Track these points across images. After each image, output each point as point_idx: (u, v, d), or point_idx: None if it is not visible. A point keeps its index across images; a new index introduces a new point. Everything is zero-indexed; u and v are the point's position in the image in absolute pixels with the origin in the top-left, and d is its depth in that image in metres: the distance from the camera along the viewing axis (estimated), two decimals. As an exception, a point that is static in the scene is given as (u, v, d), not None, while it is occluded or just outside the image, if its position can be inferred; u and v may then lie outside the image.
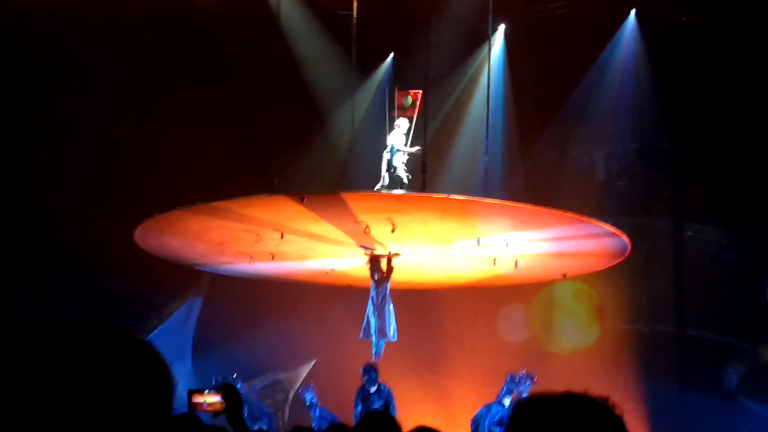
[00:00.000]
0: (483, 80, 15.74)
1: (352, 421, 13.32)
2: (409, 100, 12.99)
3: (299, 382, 17.18)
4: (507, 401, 13.59)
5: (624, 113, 16.56)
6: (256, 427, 13.76)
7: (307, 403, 14.00)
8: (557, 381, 13.80)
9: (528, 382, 13.78)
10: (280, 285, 16.38)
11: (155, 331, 17.36)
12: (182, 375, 16.98)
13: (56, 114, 15.21)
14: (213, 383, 13.68)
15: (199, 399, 4.41)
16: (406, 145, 13.04)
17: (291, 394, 17.28)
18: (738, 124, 15.64)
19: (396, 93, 13.34)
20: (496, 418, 13.59)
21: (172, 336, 17.38)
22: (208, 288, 17.20)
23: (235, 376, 14.04)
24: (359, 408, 13.43)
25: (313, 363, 16.71)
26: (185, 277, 17.04)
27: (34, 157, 15.35)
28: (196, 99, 15.42)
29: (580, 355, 16.10)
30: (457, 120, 16.62)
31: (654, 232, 16.90)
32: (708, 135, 16.36)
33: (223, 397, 4.28)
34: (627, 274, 16.75)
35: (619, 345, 16.21)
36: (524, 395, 13.79)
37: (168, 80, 15.28)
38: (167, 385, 1.33)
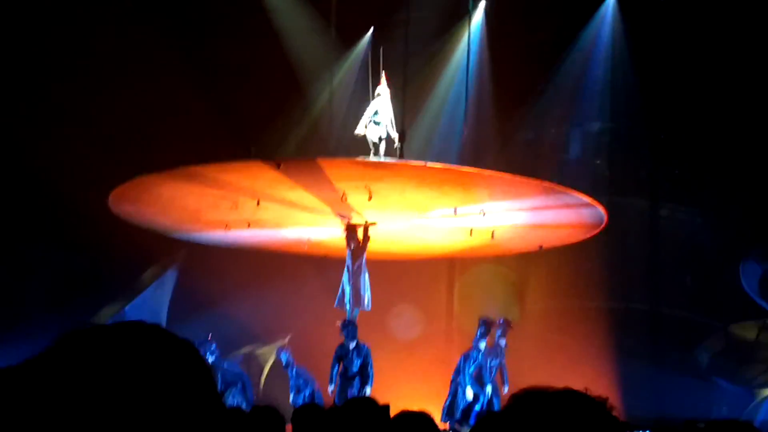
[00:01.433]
0: (462, 56, 15.70)
1: (327, 384, 13.39)
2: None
3: (273, 359, 17.08)
4: (482, 345, 13.84)
5: (602, 92, 16.58)
6: (230, 392, 13.72)
7: (284, 363, 14.24)
8: (528, 357, 13.93)
9: (504, 327, 13.98)
10: (257, 256, 16.27)
11: (131, 302, 17.25)
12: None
13: (33, 81, 15.02)
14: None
15: None
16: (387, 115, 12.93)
17: (267, 367, 17.15)
18: (715, 104, 15.66)
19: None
20: (475, 364, 13.86)
21: (148, 307, 17.24)
22: (184, 260, 17.03)
23: (210, 337, 13.97)
24: (336, 368, 13.39)
25: (288, 338, 16.56)
26: (161, 248, 16.92)
27: (11, 124, 15.14)
28: (176, 67, 15.26)
29: (553, 331, 16.07)
30: (435, 95, 16.57)
31: (629, 211, 16.94)
32: (684, 114, 16.40)
33: None
34: (601, 252, 16.78)
35: (592, 323, 16.20)
36: (501, 340, 14.01)
37: (147, 48, 15.09)
38: (211, 383, 1.31)
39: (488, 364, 14.23)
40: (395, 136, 12.77)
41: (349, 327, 13.31)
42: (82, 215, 15.08)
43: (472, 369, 14.03)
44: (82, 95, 15.05)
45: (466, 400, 14.08)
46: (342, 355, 13.43)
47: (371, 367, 13.36)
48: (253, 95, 15.42)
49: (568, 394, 1.66)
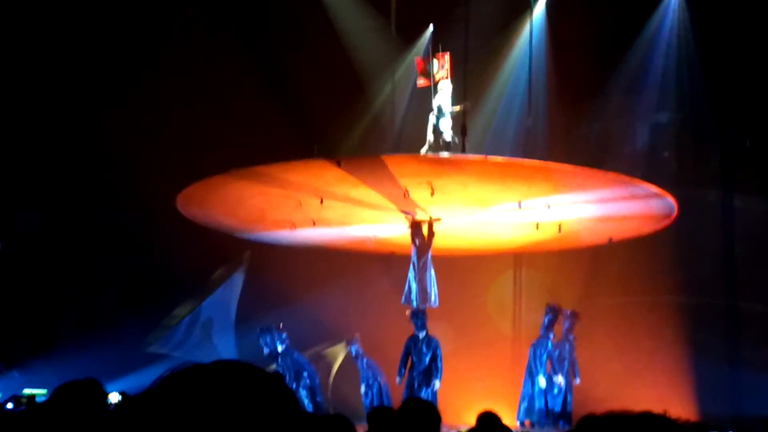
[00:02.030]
0: (523, 51, 15.55)
1: (395, 377, 13.45)
2: (435, 64, 12.80)
3: (342, 356, 17.13)
4: (551, 333, 14.11)
5: (669, 83, 16.27)
6: (297, 381, 14.10)
7: (353, 354, 14.67)
8: (601, 351, 13.70)
9: (572, 320, 13.99)
10: (323, 256, 16.38)
11: (201, 305, 17.54)
12: (226, 347, 17.13)
13: (105, 87, 15.44)
14: (257, 331, 14.33)
15: None
16: (451, 107, 12.85)
17: (334, 368, 17.20)
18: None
19: (416, 60, 13.24)
20: (546, 352, 14.07)
21: (217, 310, 17.51)
22: (251, 260, 17.23)
23: (281, 326, 14.37)
24: (405, 360, 13.52)
25: (357, 333, 16.63)
26: (229, 250, 17.19)
27: (84, 131, 15.58)
28: (241, 71, 15.54)
29: (625, 327, 15.76)
30: (498, 89, 16.45)
31: (701, 204, 16.51)
32: (754, 103, 15.95)
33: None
34: (674, 246, 16.42)
35: (666, 318, 15.86)
36: (570, 335, 13.97)
37: (214, 53, 15.39)
38: (299, 412, 1.39)
39: (557, 355, 14.16)
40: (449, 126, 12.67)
41: (419, 316, 13.33)
42: (151, 219, 15.44)
43: (544, 357, 14.01)
44: (151, 100, 15.42)
45: (540, 389, 14.03)
46: (411, 347, 13.45)
47: (440, 360, 13.38)
48: (317, 96, 15.57)
49: (647, 418, 1.61)
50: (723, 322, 16.43)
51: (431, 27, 16.03)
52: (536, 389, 14.21)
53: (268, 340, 14.32)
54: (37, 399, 12.47)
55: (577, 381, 14.13)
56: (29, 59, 15.66)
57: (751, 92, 15.76)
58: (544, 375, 14.11)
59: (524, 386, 14.42)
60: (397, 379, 13.71)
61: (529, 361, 14.30)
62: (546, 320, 14.25)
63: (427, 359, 13.39)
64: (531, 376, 14.30)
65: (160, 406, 1.30)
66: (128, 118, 15.30)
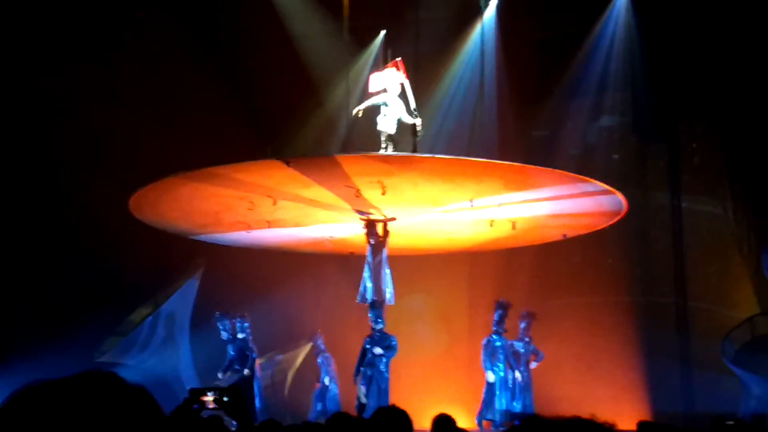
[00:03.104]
0: (475, 53, 15.73)
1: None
2: (390, 71, 12.88)
3: (298, 362, 17.14)
4: (501, 329, 14.28)
5: (617, 86, 16.52)
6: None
7: (318, 348, 15.50)
8: (553, 354, 13.83)
9: (528, 320, 14.12)
10: (277, 260, 16.35)
11: (155, 311, 17.41)
12: (182, 352, 17.01)
13: (54, 88, 15.28)
14: (215, 316, 14.65)
15: (203, 398, 4.35)
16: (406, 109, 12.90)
17: (290, 375, 17.20)
18: (732, 94, 15.52)
19: (369, 77, 13.35)
20: (497, 347, 14.21)
21: (171, 316, 17.40)
22: (206, 266, 17.16)
23: (245, 315, 14.84)
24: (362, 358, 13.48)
25: (310, 345, 16.62)
26: (185, 256, 17.10)
27: (33, 134, 15.40)
28: (194, 74, 15.48)
29: (577, 327, 15.92)
30: (447, 93, 16.60)
31: (650, 204, 16.82)
32: (701, 105, 16.27)
33: (220, 398, 4.25)
34: (623, 247, 16.68)
35: (617, 318, 16.07)
36: (527, 332, 14.08)
37: (165, 55, 15.31)
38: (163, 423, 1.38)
39: (512, 353, 14.28)
40: (419, 122, 12.69)
41: (376, 307, 13.30)
42: (105, 223, 15.29)
43: (500, 354, 14.11)
44: (103, 103, 15.29)
45: (500, 388, 14.12)
46: (367, 346, 13.44)
47: (393, 351, 13.34)
48: (271, 98, 15.64)
49: (576, 423, 1.64)
50: (673, 320, 16.66)
51: (383, 31, 16.16)
52: (495, 389, 14.28)
53: (227, 324, 14.73)
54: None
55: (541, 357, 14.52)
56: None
57: (697, 94, 16.08)
58: (492, 371, 14.20)
59: (485, 386, 14.51)
60: (355, 376, 13.69)
61: (484, 359, 14.41)
62: (496, 316, 14.38)
63: (381, 356, 13.37)
64: (485, 372, 14.40)
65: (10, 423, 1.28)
66: (80, 121, 15.17)
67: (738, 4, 15.10)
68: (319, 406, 15.27)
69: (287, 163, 11.49)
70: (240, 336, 14.79)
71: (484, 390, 14.42)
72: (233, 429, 4.76)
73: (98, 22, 15.23)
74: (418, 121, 12.73)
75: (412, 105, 12.80)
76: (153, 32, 15.27)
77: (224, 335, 14.79)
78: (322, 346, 15.51)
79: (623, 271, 16.59)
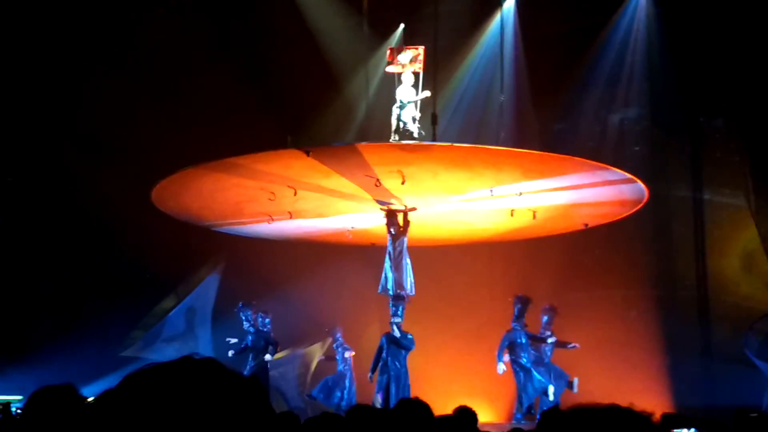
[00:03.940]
0: (494, 46, 15.71)
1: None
2: (409, 54, 12.88)
3: (318, 357, 17.17)
4: (521, 323, 14.28)
5: (638, 78, 16.43)
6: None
7: (337, 342, 15.61)
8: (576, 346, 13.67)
9: (551, 315, 14.06)
10: (299, 252, 16.41)
11: (178, 306, 17.53)
12: (204, 345, 17.12)
13: (78, 83, 15.42)
14: (239, 306, 14.90)
15: None
16: (415, 97, 12.91)
17: (312, 367, 17.22)
18: (754, 86, 15.40)
19: (389, 50, 13.35)
20: (515, 342, 14.17)
21: (194, 310, 17.51)
22: (227, 262, 17.26)
23: (267, 312, 15.14)
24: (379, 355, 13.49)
25: (329, 340, 16.67)
26: (206, 251, 17.20)
27: (54, 128, 15.55)
28: (216, 66, 15.60)
29: (599, 321, 15.82)
30: (469, 85, 16.57)
31: (671, 197, 16.70)
32: (723, 97, 16.14)
33: None
34: (646, 240, 16.58)
35: (640, 311, 15.98)
36: (547, 331, 14.03)
37: (187, 49, 15.42)
38: (269, 411, 1.41)
39: (530, 346, 14.22)
40: (417, 116, 12.70)
41: (398, 301, 13.31)
42: (127, 218, 15.38)
43: (525, 345, 14.05)
44: (123, 96, 15.41)
45: (528, 384, 14.07)
46: (383, 344, 13.45)
47: (410, 343, 13.35)
48: (293, 90, 15.72)
49: (613, 411, 1.65)
50: (695, 314, 16.55)
51: (402, 25, 16.18)
52: (521, 384, 14.21)
53: (249, 315, 14.95)
54: (12, 406, 12.35)
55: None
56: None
57: (719, 85, 15.94)
58: (500, 361, 14.16)
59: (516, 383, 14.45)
60: (370, 374, 13.69)
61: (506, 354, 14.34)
62: (516, 310, 14.31)
63: (403, 348, 13.39)
64: (517, 370, 14.33)
65: (121, 407, 1.32)
66: (100, 115, 15.29)
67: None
68: (337, 395, 15.33)
69: (307, 153, 11.51)
70: (262, 329, 15.04)
71: (516, 387, 14.36)
72: None
73: (120, 18, 15.34)
74: (418, 115, 12.76)
75: (418, 97, 12.81)
76: (175, 26, 15.36)
77: (245, 325, 14.96)
78: (341, 340, 15.69)
79: (645, 264, 16.51)
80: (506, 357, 14.23)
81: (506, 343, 14.25)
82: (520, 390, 14.26)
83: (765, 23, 14.89)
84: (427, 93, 12.81)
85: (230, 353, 14.83)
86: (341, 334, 15.69)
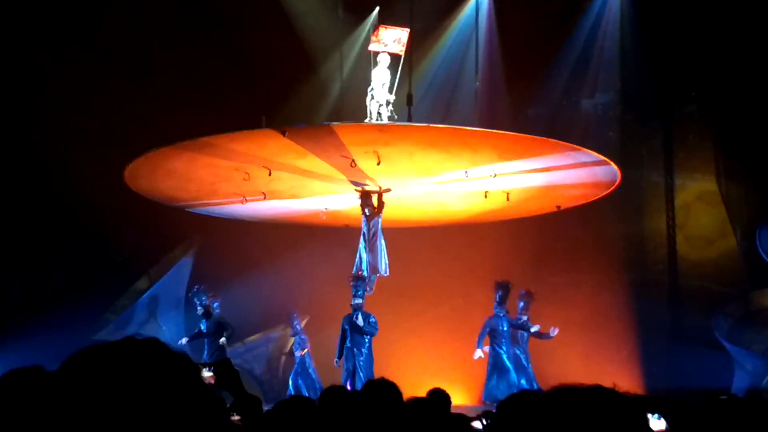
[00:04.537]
0: (469, 30, 15.70)
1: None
2: (394, 33, 12.82)
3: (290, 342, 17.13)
4: (502, 309, 14.32)
5: (610, 63, 16.49)
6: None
7: (295, 329, 15.38)
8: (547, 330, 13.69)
9: (527, 300, 14.09)
10: (271, 233, 16.31)
11: (151, 288, 17.40)
12: (175, 325, 17.02)
13: (47, 60, 15.18)
14: (193, 291, 14.80)
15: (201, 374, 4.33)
16: (392, 81, 12.87)
17: (286, 350, 17.16)
18: (726, 71, 15.52)
19: (376, 30, 13.27)
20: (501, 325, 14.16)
21: (167, 292, 17.38)
22: (201, 241, 17.14)
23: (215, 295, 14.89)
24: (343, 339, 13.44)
25: (306, 320, 16.58)
26: (178, 233, 17.07)
27: (25, 110, 15.32)
28: (191, 46, 15.50)
29: (571, 305, 15.89)
30: (443, 69, 16.55)
31: (644, 181, 16.84)
32: (694, 84, 16.26)
33: (215, 372, 4.26)
34: (618, 224, 16.67)
35: (611, 295, 16.06)
36: (525, 311, 14.04)
37: (161, 27, 15.26)
38: (204, 390, 1.44)
39: (510, 332, 14.26)
40: (391, 98, 12.66)
41: (359, 282, 13.25)
42: (100, 201, 15.22)
43: (506, 330, 14.09)
44: (93, 76, 15.21)
45: (503, 366, 14.09)
46: (345, 326, 13.38)
47: (374, 327, 13.33)
48: (268, 71, 15.58)
49: (598, 392, 1.67)
50: (666, 297, 16.70)
51: (377, 8, 16.11)
52: (499, 366, 14.25)
53: (203, 300, 14.73)
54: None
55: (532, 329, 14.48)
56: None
57: (692, 71, 16.06)
58: (499, 352, 14.19)
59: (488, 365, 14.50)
60: (336, 359, 13.62)
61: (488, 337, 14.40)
62: (497, 296, 14.35)
63: (365, 334, 13.31)
64: (492, 352, 14.36)
65: (62, 388, 1.35)
66: (73, 93, 15.08)
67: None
68: (300, 383, 15.25)
69: (283, 133, 11.42)
70: (215, 313, 14.78)
71: (487, 369, 14.39)
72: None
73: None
74: (391, 98, 12.73)
75: (394, 81, 12.79)
76: (150, 4, 15.18)
77: (199, 310, 14.74)
78: (299, 327, 15.42)
79: (617, 248, 16.61)
80: (486, 347, 14.28)
81: (487, 329, 14.29)
82: (489, 377, 14.33)
83: (735, 12, 15.02)
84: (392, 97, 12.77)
85: (183, 340, 14.79)
86: (299, 322, 15.44)
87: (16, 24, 15.19)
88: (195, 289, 14.94)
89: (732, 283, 16.12)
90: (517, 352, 14.52)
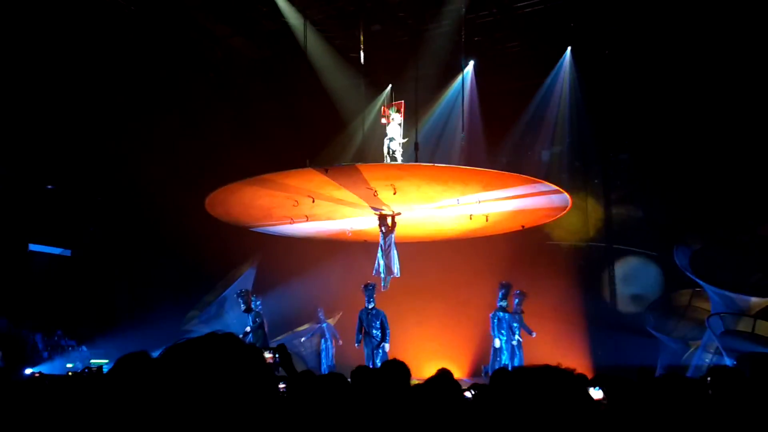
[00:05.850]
0: (458, 100, 15.80)
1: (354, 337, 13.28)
2: (394, 109, 13.05)
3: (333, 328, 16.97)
4: (504, 304, 13.96)
5: (564, 124, 16.55)
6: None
7: (321, 318, 15.33)
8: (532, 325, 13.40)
9: (521, 297, 13.84)
10: (308, 247, 16.31)
11: (224, 292, 17.33)
12: (237, 318, 16.94)
13: (144, 115, 15.33)
14: (237, 293, 14.44)
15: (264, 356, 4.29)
16: (401, 135, 12.98)
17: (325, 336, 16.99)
18: (651, 129, 15.59)
19: (383, 108, 13.46)
20: (501, 320, 13.89)
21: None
22: (261, 256, 17.11)
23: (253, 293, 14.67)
24: (360, 327, 13.28)
25: (339, 315, 16.45)
26: (243, 252, 17.06)
27: (125, 163, 15.44)
28: (256, 104, 15.61)
29: (536, 302, 15.64)
30: (439, 127, 16.65)
31: (590, 211, 16.77)
32: (626, 137, 16.30)
33: (275, 353, 4.28)
34: (570, 241, 16.59)
35: (565, 292, 15.78)
36: (519, 306, 13.80)
37: (235, 97, 15.49)
38: (269, 374, 1.43)
39: (508, 325, 14.07)
40: (402, 144, 12.77)
41: (369, 289, 13.23)
42: (184, 228, 15.21)
43: (504, 324, 13.89)
44: (182, 125, 15.38)
45: (498, 348, 13.86)
46: (362, 317, 13.32)
47: (388, 328, 13.25)
48: (311, 127, 15.76)
49: (547, 370, 1.69)
50: (608, 295, 16.56)
51: (390, 85, 16.32)
52: (500, 351, 14.02)
53: (244, 299, 14.36)
54: (105, 368, 12.17)
55: (533, 335, 14.07)
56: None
57: (624, 128, 16.14)
58: (499, 338, 13.99)
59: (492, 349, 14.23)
60: (356, 343, 13.51)
61: (492, 328, 14.16)
62: (500, 294, 14.13)
63: (376, 326, 13.19)
64: (493, 339, 14.13)
65: (163, 369, 1.35)
66: (162, 141, 15.23)
67: (655, 64, 15.15)
68: (324, 363, 15.16)
69: (326, 171, 11.48)
70: (256, 308, 14.39)
71: (491, 353, 14.12)
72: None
73: (183, 59, 15.34)
74: (401, 146, 12.85)
75: (401, 134, 12.91)
76: (227, 80, 15.38)
77: (243, 306, 14.36)
78: (322, 317, 15.36)
79: (570, 257, 16.53)
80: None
81: (495, 321, 14.08)
82: (494, 354, 14.05)
83: (658, 79, 15.11)
84: (404, 139, 12.87)
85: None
86: (323, 313, 15.28)
87: (130, 89, 15.40)
88: (238, 291, 14.72)
89: (654, 287, 15.99)
90: (514, 340, 14.25)
